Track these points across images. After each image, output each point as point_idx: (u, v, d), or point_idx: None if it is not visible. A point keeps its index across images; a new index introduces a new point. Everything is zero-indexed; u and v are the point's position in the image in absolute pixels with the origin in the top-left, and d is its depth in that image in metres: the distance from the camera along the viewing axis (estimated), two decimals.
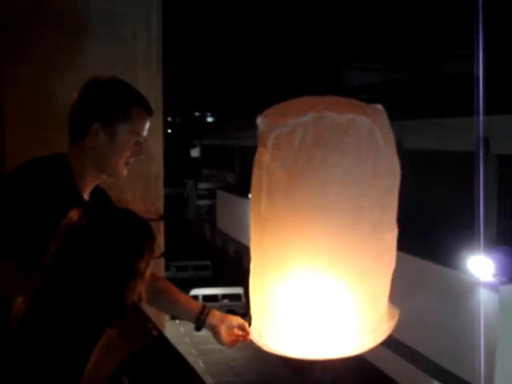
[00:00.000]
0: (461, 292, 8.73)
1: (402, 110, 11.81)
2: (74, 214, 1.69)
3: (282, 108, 1.65)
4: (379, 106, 1.67)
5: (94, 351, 1.54)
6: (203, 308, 2.26)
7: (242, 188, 20.16)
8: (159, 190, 3.59)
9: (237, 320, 2.20)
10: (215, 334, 2.23)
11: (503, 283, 8.25)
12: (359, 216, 1.57)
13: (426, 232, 11.23)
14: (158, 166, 3.54)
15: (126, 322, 1.59)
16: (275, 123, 1.57)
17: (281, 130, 1.55)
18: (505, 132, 10.34)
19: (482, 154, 9.45)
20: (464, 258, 8.92)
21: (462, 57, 16.28)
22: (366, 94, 15.55)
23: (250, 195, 1.71)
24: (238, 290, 21.19)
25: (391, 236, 1.69)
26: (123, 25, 3.51)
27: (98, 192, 2.34)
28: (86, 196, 2.25)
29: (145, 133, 2.28)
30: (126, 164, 2.26)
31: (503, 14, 13.40)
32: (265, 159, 1.58)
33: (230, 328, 2.20)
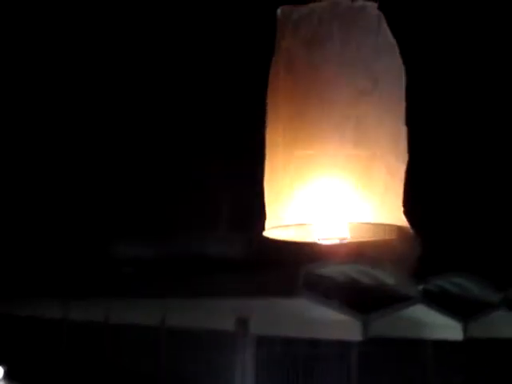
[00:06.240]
0: None
1: (168, 286, 11.86)
2: None
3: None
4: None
5: None
6: None
7: None
8: None
9: None
10: None
11: None
12: (373, 88, 1.67)
13: None
14: None
15: None
16: (295, 8, 1.75)
17: (300, 11, 1.73)
18: (263, 313, 10.81)
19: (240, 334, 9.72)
20: None
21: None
22: (132, 268, 15.56)
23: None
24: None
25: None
26: None
27: None
28: None
29: None
30: None
31: None
32: (284, 43, 1.73)
33: None
